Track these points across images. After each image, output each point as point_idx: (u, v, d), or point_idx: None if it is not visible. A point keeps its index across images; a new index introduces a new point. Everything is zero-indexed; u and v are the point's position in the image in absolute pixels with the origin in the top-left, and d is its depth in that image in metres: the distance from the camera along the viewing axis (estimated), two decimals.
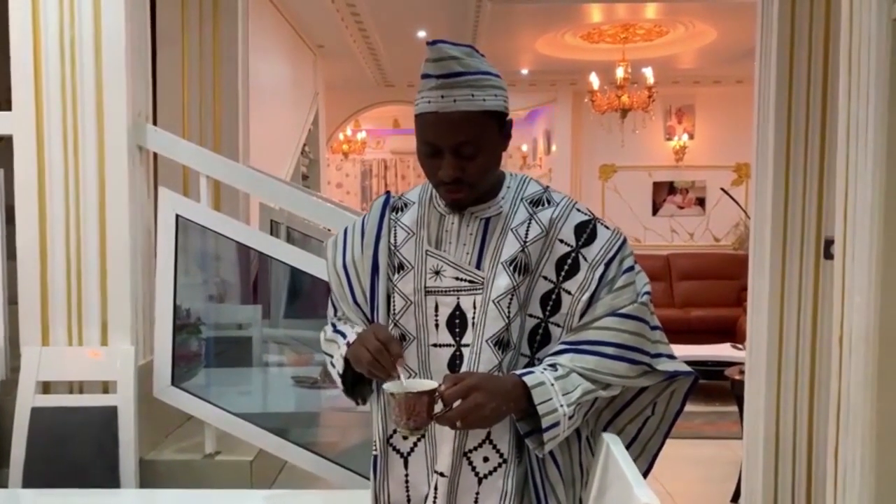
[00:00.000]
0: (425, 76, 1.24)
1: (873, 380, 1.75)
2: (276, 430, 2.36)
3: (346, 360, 1.33)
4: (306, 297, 3.27)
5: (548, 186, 1.39)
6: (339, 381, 1.37)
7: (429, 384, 1.19)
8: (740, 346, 5.07)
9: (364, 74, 7.47)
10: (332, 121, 8.05)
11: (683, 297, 7.63)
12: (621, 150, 7.85)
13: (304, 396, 2.90)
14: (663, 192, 8.20)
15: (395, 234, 1.36)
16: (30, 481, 2.16)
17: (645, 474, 1.40)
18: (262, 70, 4.66)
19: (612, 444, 1.27)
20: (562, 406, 1.21)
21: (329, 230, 2.93)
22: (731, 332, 6.67)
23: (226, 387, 2.81)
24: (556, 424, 1.20)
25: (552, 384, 1.22)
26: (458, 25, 5.94)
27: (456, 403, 1.17)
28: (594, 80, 6.32)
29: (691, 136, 8.11)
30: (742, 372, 3.27)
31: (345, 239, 1.43)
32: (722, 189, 7.38)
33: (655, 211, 8.21)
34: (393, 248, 1.35)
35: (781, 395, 2.74)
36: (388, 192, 1.44)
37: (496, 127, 1.27)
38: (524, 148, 10.87)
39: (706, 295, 7.54)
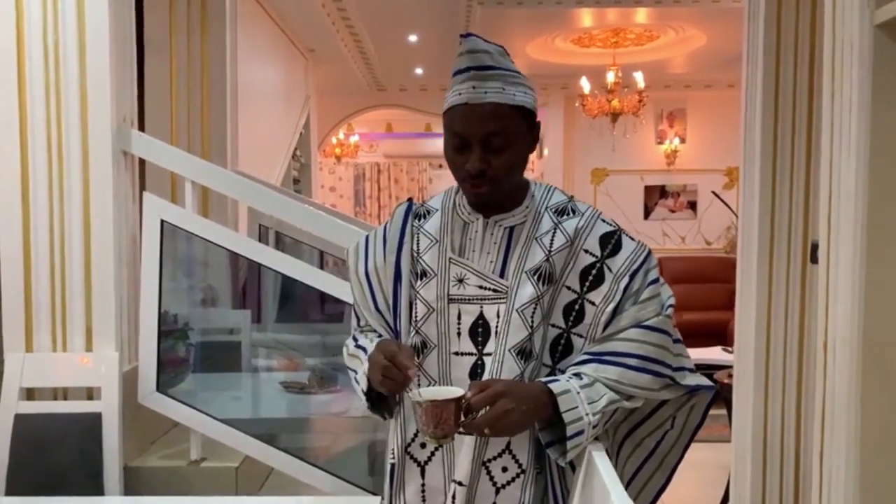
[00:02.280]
0: (457, 72, 1.25)
1: (857, 385, 1.75)
2: (263, 436, 2.36)
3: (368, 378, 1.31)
4: (295, 302, 3.26)
5: (572, 196, 1.39)
6: (363, 398, 1.35)
7: (455, 391, 1.17)
8: (731, 349, 5.08)
9: (356, 79, 7.46)
10: (323, 125, 8.05)
11: (675, 301, 7.63)
12: (613, 154, 7.86)
13: (292, 402, 2.89)
14: (655, 195, 8.21)
15: (417, 241, 1.35)
16: (13, 488, 2.15)
17: (663, 488, 1.40)
18: (252, 74, 4.65)
19: (595, 454, 1.26)
20: (587, 415, 1.20)
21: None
22: (723, 336, 6.68)
23: (213, 392, 2.80)
24: (580, 433, 1.20)
25: (578, 392, 1.21)
26: (449, 30, 5.95)
27: (483, 410, 1.16)
28: (585, 85, 6.33)
29: (683, 140, 8.13)
30: (731, 375, 3.27)
31: (366, 246, 1.42)
32: (713, 192, 7.40)
33: (647, 215, 8.23)
34: (416, 254, 1.34)
35: (769, 398, 2.74)
36: (410, 200, 1.43)
37: (525, 125, 1.27)
38: None
39: (698, 298, 7.55)
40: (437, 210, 1.38)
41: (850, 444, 1.77)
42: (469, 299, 1.30)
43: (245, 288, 3.31)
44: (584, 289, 1.29)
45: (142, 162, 2.51)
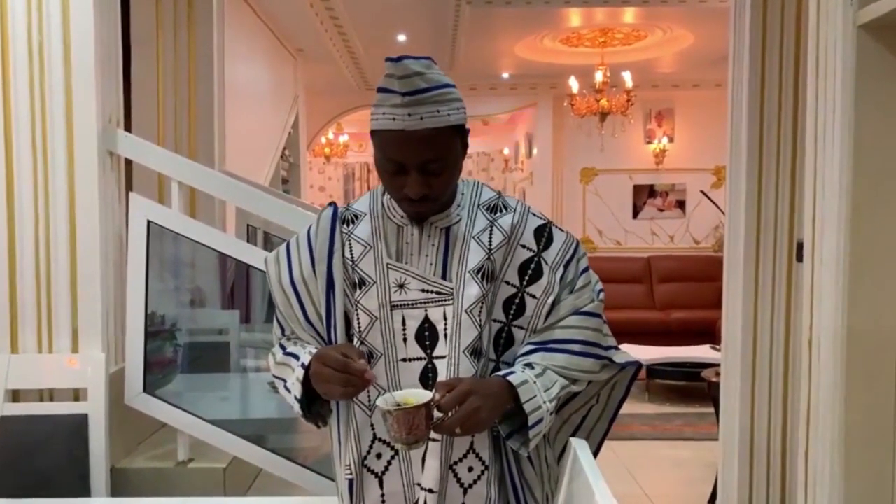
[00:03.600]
0: (386, 91, 1.21)
1: (842, 383, 1.77)
2: (251, 437, 2.35)
3: (303, 385, 1.28)
4: None
5: (500, 192, 1.41)
6: (296, 405, 1.31)
7: (423, 395, 1.17)
8: (719, 347, 5.10)
9: (345, 78, 7.45)
10: (313, 124, 8.03)
11: (664, 300, 7.67)
12: (602, 154, 7.89)
13: (280, 402, 2.88)
14: (644, 195, 8.24)
15: (350, 248, 1.32)
16: None
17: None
18: (239, 74, 4.64)
19: (580, 451, 1.27)
20: (545, 402, 1.23)
21: None
22: (711, 334, 6.71)
23: (201, 393, 2.79)
24: (540, 421, 1.22)
25: (534, 382, 1.24)
26: (438, 30, 5.95)
27: (452, 411, 1.16)
28: (573, 84, 6.34)
29: (671, 140, 8.16)
30: (718, 374, 3.29)
31: (289, 254, 1.37)
32: (702, 192, 7.44)
33: (636, 214, 8.26)
34: (350, 263, 1.31)
35: (756, 396, 2.76)
36: (334, 204, 1.39)
37: (459, 140, 1.27)
38: (506, 151, 10.90)
39: (686, 297, 7.58)
40: (365, 214, 1.35)
41: (835, 440, 1.78)
42: (412, 304, 1.29)
43: (233, 288, 3.30)
44: (524, 283, 1.32)
45: (128, 162, 2.49)
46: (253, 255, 2.40)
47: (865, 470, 1.77)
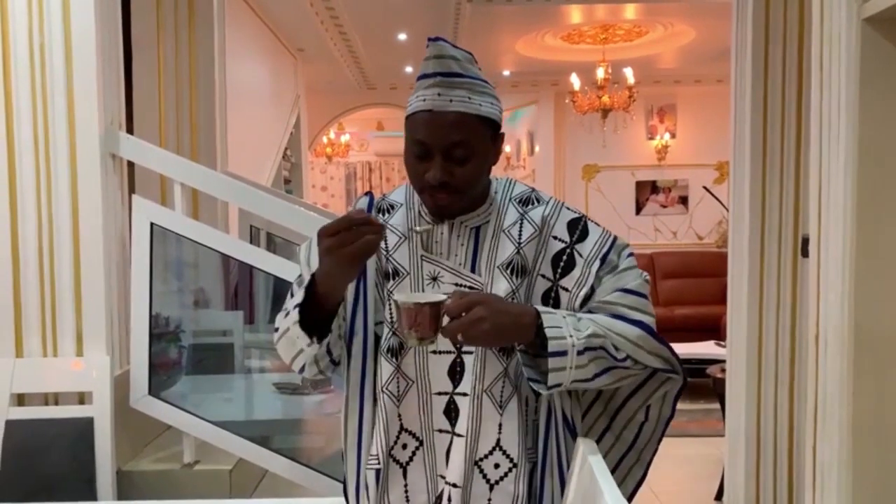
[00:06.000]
0: (422, 76, 1.22)
1: (848, 378, 1.76)
2: (257, 438, 2.35)
3: (307, 293, 1.22)
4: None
5: (533, 188, 1.38)
6: (295, 312, 1.22)
7: (438, 297, 1.16)
8: (724, 343, 5.09)
9: (346, 77, 7.45)
10: (314, 124, 8.03)
11: (668, 296, 7.65)
12: (604, 151, 7.87)
13: (285, 403, 2.88)
14: (646, 191, 8.23)
15: (385, 237, 1.30)
16: (5, 495, 2.13)
17: (640, 481, 1.40)
18: (240, 74, 4.63)
19: (587, 448, 1.26)
20: (571, 336, 1.16)
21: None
22: (716, 330, 6.69)
23: (206, 394, 2.79)
24: (563, 353, 1.15)
25: (564, 317, 1.19)
26: (439, 27, 5.94)
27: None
28: (575, 81, 6.33)
29: (673, 136, 8.15)
30: (724, 370, 3.28)
31: None
32: (704, 187, 7.42)
33: (639, 210, 8.24)
34: (385, 252, 1.30)
35: (762, 392, 2.75)
36: (370, 193, 1.39)
37: (489, 136, 1.25)
38: (507, 149, 10.89)
39: (690, 293, 7.57)
40: (400, 204, 1.34)
41: (843, 435, 1.77)
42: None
43: (237, 289, 3.29)
44: (557, 275, 1.29)
45: (131, 164, 2.49)
46: (256, 257, 2.39)
47: (873, 465, 1.76)
